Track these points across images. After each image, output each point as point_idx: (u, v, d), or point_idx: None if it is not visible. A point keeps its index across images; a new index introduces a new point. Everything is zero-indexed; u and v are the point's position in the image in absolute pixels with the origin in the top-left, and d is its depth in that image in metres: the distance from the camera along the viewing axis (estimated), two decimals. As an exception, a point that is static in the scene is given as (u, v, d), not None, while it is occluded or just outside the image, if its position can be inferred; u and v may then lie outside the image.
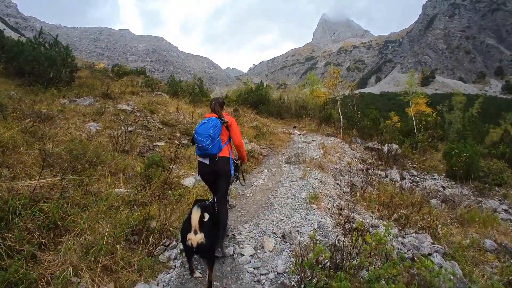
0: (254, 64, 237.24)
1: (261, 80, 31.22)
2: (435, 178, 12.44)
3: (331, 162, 10.10)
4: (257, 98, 21.97)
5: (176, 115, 13.31)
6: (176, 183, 6.25)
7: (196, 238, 3.06)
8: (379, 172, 11.07)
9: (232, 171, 4.19)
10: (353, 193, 7.60)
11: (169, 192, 5.71)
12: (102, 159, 6.13)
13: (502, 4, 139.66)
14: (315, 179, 7.55)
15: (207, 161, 3.99)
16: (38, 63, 13.48)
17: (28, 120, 7.66)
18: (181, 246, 3.81)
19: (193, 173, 7.43)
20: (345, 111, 20.17)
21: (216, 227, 3.74)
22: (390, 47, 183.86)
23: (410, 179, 11.52)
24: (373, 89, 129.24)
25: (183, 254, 3.72)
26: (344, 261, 3.39)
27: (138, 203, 4.89)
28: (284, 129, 17.04)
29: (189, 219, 3.20)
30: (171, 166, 6.05)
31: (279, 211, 5.47)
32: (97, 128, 8.82)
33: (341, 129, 17.60)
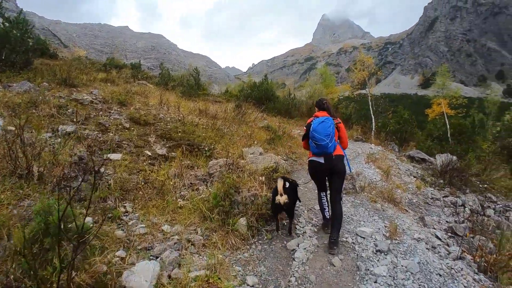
0: (253, 64, 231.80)
1: (266, 74, 27.53)
2: (523, 206, 8.79)
3: (398, 187, 6.31)
4: (262, 93, 18.43)
5: (158, 109, 9.45)
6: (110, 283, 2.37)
7: (282, 198, 3.77)
8: (454, 198, 7.31)
9: (349, 169, 4.24)
10: (471, 258, 3.95)
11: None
12: None
13: (504, 7, 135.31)
14: (416, 239, 3.86)
15: (322, 160, 3.93)
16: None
17: None
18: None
19: (160, 235, 3.59)
20: (377, 111, 16.39)
21: (295, 193, 4.25)
22: (390, 48, 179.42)
23: (491, 207, 7.84)
24: (373, 90, 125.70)
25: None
26: None
27: None
28: (299, 131, 13.21)
29: (276, 187, 3.90)
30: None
31: None
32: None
33: (373, 133, 13.98)
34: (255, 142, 8.17)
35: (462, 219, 5.64)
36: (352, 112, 19.02)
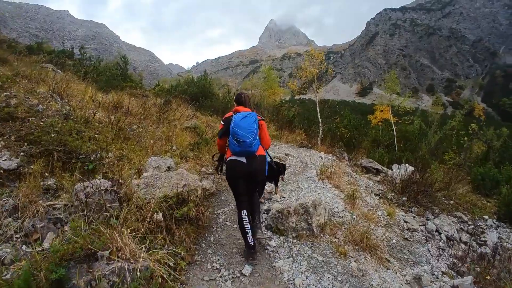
0: (197, 62, 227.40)
1: (205, 70, 25.19)
2: (491, 225, 7.59)
3: (368, 218, 4.50)
4: (198, 90, 16.44)
5: (46, 98, 6.74)
6: None
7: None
8: (428, 223, 5.77)
9: (267, 172, 3.70)
10: None
11: None
12: None
13: (438, 29, 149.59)
14: None
15: (243, 160, 3.38)
16: None
17: None
18: None
19: None
20: (322, 115, 15.01)
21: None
22: (332, 57, 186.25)
23: (464, 229, 6.50)
24: (313, 95, 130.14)
25: None
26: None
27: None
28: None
29: None
30: None
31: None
32: None
33: (319, 138, 12.49)
34: (174, 148, 5.93)
35: (458, 264, 4.02)
36: (295, 114, 17.60)
